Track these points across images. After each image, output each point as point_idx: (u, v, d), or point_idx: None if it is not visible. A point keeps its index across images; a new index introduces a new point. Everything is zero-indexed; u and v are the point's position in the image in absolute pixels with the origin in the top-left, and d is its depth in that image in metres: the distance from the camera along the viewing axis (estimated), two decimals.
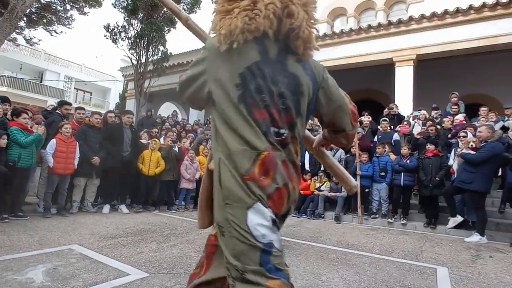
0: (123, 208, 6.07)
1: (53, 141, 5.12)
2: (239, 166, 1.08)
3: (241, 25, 1.10)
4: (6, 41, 10.17)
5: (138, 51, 12.03)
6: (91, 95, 26.83)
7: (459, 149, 5.58)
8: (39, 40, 14.55)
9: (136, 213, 5.97)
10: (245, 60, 1.13)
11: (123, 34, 12.02)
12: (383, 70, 9.98)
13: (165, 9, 12.58)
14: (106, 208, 5.86)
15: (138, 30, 11.85)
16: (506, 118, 6.81)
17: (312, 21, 1.20)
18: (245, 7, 1.12)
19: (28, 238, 3.59)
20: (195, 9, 12.67)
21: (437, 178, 5.71)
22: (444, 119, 7.35)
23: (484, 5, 8.02)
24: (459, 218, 5.40)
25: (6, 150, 4.50)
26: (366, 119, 8.24)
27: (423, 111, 8.01)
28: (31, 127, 5.00)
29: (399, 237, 5.07)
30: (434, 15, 8.68)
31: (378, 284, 2.77)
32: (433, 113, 8.20)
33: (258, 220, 1.07)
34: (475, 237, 4.92)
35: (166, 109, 16.11)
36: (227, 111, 1.13)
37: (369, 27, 9.68)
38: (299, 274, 2.91)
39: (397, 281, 2.87)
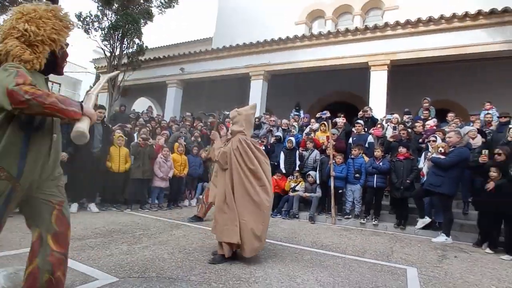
0: (93, 207, 5.79)
1: None
2: None
3: None
4: None
5: (112, 43, 11.53)
6: (59, 86, 25.47)
7: (429, 153, 5.83)
8: None
9: (107, 212, 5.72)
10: None
11: (96, 24, 11.47)
12: (359, 74, 10.25)
13: (141, 0, 12.17)
14: (74, 206, 5.56)
15: (113, 21, 11.35)
16: (471, 124, 7.20)
17: None
18: None
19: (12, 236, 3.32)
20: (173, 4, 12.34)
21: (407, 181, 5.93)
22: (416, 124, 7.65)
23: (454, 16, 8.44)
24: (427, 219, 5.65)
25: None
26: (341, 120, 8.41)
27: (396, 115, 8.30)
28: None
29: (371, 237, 5.21)
30: (408, 22, 9.02)
31: (351, 285, 2.81)
32: (405, 117, 8.52)
33: None
34: (441, 238, 5.16)
35: (141, 105, 15.61)
36: None
37: (347, 30, 9.91)
38: (274, 276, 2.90)
39: (369, 282, 2.93)
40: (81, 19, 11.34)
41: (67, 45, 1.96)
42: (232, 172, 3.33)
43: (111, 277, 2.55)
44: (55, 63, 1.89)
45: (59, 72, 1.97)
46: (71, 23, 1.91)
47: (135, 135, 7.69)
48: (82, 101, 1.82)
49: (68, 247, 1.90)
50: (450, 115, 8.00)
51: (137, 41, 12.06)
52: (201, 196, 6.86)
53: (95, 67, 16.34)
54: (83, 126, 1.66)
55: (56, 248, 1.80)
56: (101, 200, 6.34)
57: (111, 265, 2.84)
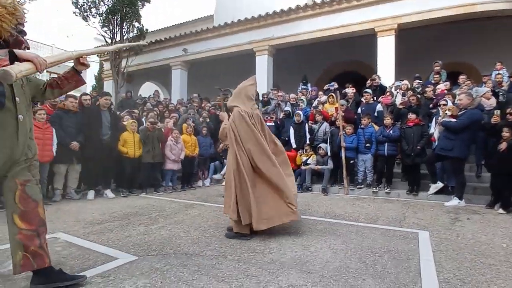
0: (109, 193, 5.96)
1: None
2: None
3: None
4: None
5: (111, 28, 11.41)
6: None
7: (440, 118, 5.70)
8: None
9: (123, 197, 5.89)
10: None
11: (93, 10, 11.30)
12: (366, 41, 9.90)
13: None
14: (91, 194, 5.74)
15: (110, 6, 11.16)
16: (483, 85, 6.96)
17: None
18: None
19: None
20: None
21: (418, 147, 5.86)
22: (426, 89, 7.44)
23: None
24: (439, 184, 5.62)
25: None
26: (350, 91, 8.24)
27: (405, 81, 8.08)
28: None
29: (383, 205, 5.24)
30: None
31: (364, 250, 2.86)
32: (415, 83, 8.28)
33: None
34: (454, 201, 5.15)
35: (147, 89, 15.61)
36: None
37: None
38: (288, 246, 2.97)
39: (381, 246, 2.98)
40: (78, 6, 11.19)
41: (21, 32, 2.00)
42: (234, 148, 3.33)
43: (131, 256, 2.66)
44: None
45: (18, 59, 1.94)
46: (16, 8, 1.90)
47: (143, 119, 7.75)
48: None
49: (38, 223, 1.99)
50: (462, 77, 7.74)
51: (136, 24, 11.89)
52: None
53: (97, 55, 16.26)
54: (13, 66, 1.65)
55: (25, 226, 1.93)
56: (116, 186, 6.52)
57: (130, 245, 2.96)
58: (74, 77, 2.28)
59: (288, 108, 8.47)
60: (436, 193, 5.67)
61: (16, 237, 1.92)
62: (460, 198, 5.18)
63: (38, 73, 1.83)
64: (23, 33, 2.05)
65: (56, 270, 2.05)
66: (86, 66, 2.24)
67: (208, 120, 8.52)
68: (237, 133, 3.30)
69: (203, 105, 9.91)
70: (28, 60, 1.75)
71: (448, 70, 8.63)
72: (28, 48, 2.10)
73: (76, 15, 11.30)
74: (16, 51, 1.75)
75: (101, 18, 11.29)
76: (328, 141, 6.93)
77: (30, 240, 1.93)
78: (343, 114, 6.81)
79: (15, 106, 1.95)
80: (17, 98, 1.97)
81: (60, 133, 5.33)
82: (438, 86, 7.52)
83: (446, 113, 5.30)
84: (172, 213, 4.47)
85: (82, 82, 2.35)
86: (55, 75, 2.49)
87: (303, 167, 6.95)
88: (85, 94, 6.60)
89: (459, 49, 10.42)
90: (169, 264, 2.47)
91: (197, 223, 3.89)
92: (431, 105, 6.96)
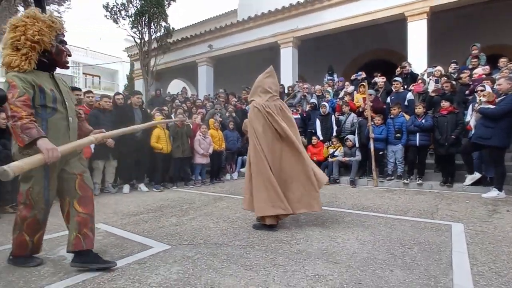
0: (142, 187, 6.29)
1: None
2: None
3: None
4: None
5: (140, 29, 11.85)
6: (99, 78, 26.99)
7: (476, 105, 5.39)
8: None
9: (156, 191, 6.17)
10: None
11: (123, 13, 11.80)
12: (395, 27, 9.50)
13: None
14: (126, 188, 6.09)
15: (138, 7, 11.58)
16: None
17: None
18: None
19: (56, 220, 3.78)
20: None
21: (452, 136, 5.58)
22: (462, 74, 7.03)
23: None
24: (476, 175, 5.34)
25: None
26: (380, 80, 7.98)
27: (438, 67, 7.68)
28: None
29: (414, 197, 5.08)
30: None
31: (392, 242, 2.83)
32: (450, 68, 7.85)
33: None
34: (493, 193, 4.88)
35: (175, 87, 16.07)
36: None
37: None
38: (315, 237, 3.00)
39: (411, 238, 2.92)
40: (109, 10, 11.70)
41: (61, 42, 2.23)
42: (252, 141, 3.40)
43: (164, 245, 2.82)
44: (53, 59, 2.20)
45: (62, 66, 2.30)
46: (53, 21, 2.15)
47: (172, 116, 8.02)
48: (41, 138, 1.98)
49: (92, 208, 2.34)
50: (502, 60, 7.23)
51: (163, 23, 12.24)
52: None
53: (128, 56, 16.96)
54: (13, 164, 1.78)
55: (82, 210, 2.26)
56: (149, 180, 6.85)
57: (163, 235, 3.14)
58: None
59: (314, 100, 8.38)
60: (473, 184, 5.40)
61: (75, 219, 2.24)
62: (500, 189, 4.90)
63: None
64: (64, 42, 2.28)
65: (94, 253, 2.31)
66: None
67: (234, 114, 8.64)
68: (252, 127, 3.37)
69: (229, 100, 10.06)
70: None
71: (487, 54, 8.07)
72: (70, 55, 2.34)
73: (107, 18, 11.85)
74: (39, 142, 1.93)
75: (130, 19, 11.75)
76: (356, 132, 6.80)
77: (84, 223, 2.25)
78: (371, 104, 6.63)
79: (65, 109, 2.24)
80: (66, 103, 2.26)
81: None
82: (475, 71, 7.07)
83: (481, 100, 4.99)
84: (201, 205, 4.64)
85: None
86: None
87: (330, 159, 6.88)
88: (118, 93, 6.95)
89: (498, 30, 9.70)
90: (200, 253, 2.60)
91: (226, 215, 4.01)
92: (467, 92, 6.57)
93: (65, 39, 2.28)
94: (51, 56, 2.17)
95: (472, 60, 7.57)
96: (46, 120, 2.12)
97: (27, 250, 2.33)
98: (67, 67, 2.38)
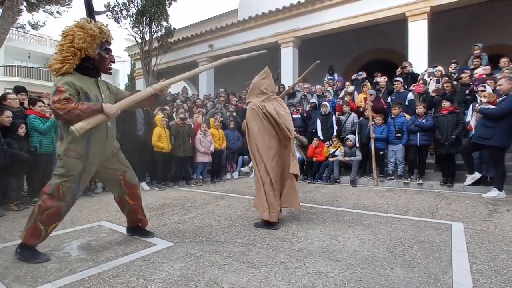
0: (144, 185, 6.31)
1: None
2: None
3: None
4: (11, 30, 10.21)
5: (141, 28, 11.88)
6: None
7: (477, 105, 5.42)
8: (44, 22, 14.49)
9: (158, 190, 6.20)
10: None
11: (124, 12, 11.82)
12: (395, 27, 9.52)
13: None
14: None
15: (139, 7, 11.60)
16: None
17: None
18: None
19: None
20: None
21: (453, 136, 5.61)
22: (462, 74, 7.04)
23: None
24: (477, 175, 5.37)
25: (27, 138, 4.69)
26: (382, 79, 7.99)
27: (439, 67, 7.70)
28: (50, 115, 5.15)
29: (415, 196, 5.11)
30: None
31: (393, 241, 2.86)
32: (451, 68, 7.86)
33: None
34: (493, 192, 4.91)
35: (176, 86, 16.09)
36: None
37: None
38: (315, 236, 3.03)
39: (411, 237, 2.95)
40: (110, 9, 11.73)
41: (106, 49, 2.48)
42: (249, 142, 3.53)
43: (167, 242, 2.86)
44: (96, 66, 2.47)
45: (105, 72, 2.58)
46: (100, 31, 2.40)
47: (174, 115, 8.05)
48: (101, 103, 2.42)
49: (140, 199, 2.93)
50: (504, 60, 7.23)
51: (164, 23, 12.26)
52: None
53: (129, 55, 16.98)
54: (77, 125, 2.21)
55: (133, 202, 2.85)
56: (150, 179, 6.88)
57: (166, 233, 3.17)
58: (151, 98, 2.74)
59: (314, 100, 8.40)
60: (473, 184, 5.43)
61: (131, 208, 2.88)
62: (500, 189, 4.92)
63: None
64: (108, 50, 2.51)
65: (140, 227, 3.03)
66: (164, 94, 2.82)
67: (235, 114, 8.66)
68: (248, 127, 3.47)
69: (230, 99, 10.08)
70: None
71: (488, 53, 8.08)
72: (113, 62, 2.60)
73: (109, 18, 11.88)
74: (104, 107, 2.34)
75: (132, 19, 11.77)
76: (357, 132, 6.82)
77: (137, 211, 2.92)
78: (372, 104, 6.66)
79: None
80: None
81: None
82: (476, 71, 7.08)
83: (481, 100, 5.02)
84: (203, 204, 4.67)
85: (156, 104, 3.00)
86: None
87: (330, 159, 6.91)
88: None
89: (499, 29, 9.72)
90: (202, 250, 2.63)
91: (227, 213, 4.05)
92: (467, 92, 6.60)
93: (110, 47, 2.51)
94: (94, 62, 2.43)
95: (474, 60, 7.58)
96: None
97: (39, 239, 2.42)
98: (110, 73, 2.68)
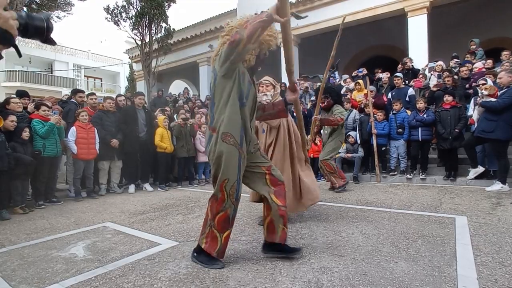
0: (147, 186, 6.35)
1: (73, 129, 5.33)
2: None
3: None
4: None
5: (141, 30, 11.91)
6: (101, 81, 27.12)
7: (478, 98, 5.40)
8: None
9: (161, 190, 6.23)
10: None
11: (124, 15, 11.87)
12: (395, 23, 9.51)
13: None
14: (132, 188, 6.15)
15: (138, 9, 11.63)
16: None
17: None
18: None
19: (65, 220, 3.88)
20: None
21: (456, 130, 5.60)
22: (462, 68, 7.03)
23: None
24: (480, 169, 5.36)
25: (32, 142, 4.73)
26: (385, 75, 7.99)
27: (440, 62, 7.69)
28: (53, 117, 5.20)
29: (418, 191, 5.11)
30: None
31: (396, 235, 2.86)
32: (452, 62, 7.85)
33: None
34: (497, 186, 4.89)
35: (177, 87, 16.13)
36: None
37: None
38: (319, 232, 3.04)
39: (415, 232, 2.96)
40: (110, 12, 11.77)
41: (265, 54, 2.37)
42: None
43: (172, 241, 2.88)
44: (255, 64, 2.31)
45: (258, 68, 2.40)
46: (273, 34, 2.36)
47: (175, 116, 8.08)
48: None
49: (285, 200, 2.38)
50: (505, 53, 7.22)
51: (164, 25, 12.29)
52: None
53: (129, 57, 17.03)
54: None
55: (280, 202, 2.32)
56: (154, 180, 6.91)
57: (170, 232, 3.19)
58: (280, 105, 2.51)
59: (314, 97, 8.39)
60: (477, 178, 5.42)
61: (278, 213, 2.30)
62: (503, 182, 4.91)
63: None
64: (265, 55, 2.40)
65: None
66: (294, 98, 2.55)
67: None
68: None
69: None
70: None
71: (490, 46, 8.05)
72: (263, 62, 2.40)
73: (108, 21, 11.93)
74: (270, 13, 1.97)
75: (131, 21, 11.80)
76: (358, 129, 6.82)
77: (285, 215, 2.33)
78: (373, 100, 6.65)
79: (253, 105, 2.31)
80: (250, 103, 2.30)
81: (102, 132, 5.75)
82: (475, 65, 7.08)
83: (482, 92, 5.01)
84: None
85: (283, 114, 2.58)
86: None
87: None
88: (120, 95, 7.03)
89: (499, 23, 9.67)
90: None
91: None
92: (467, 86, 6.59)
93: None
94: (258, 60, 2.31)
95: (467, 56, 7.62)
96: (240, 109, 2.15)
97: (217, 247, 2.22)
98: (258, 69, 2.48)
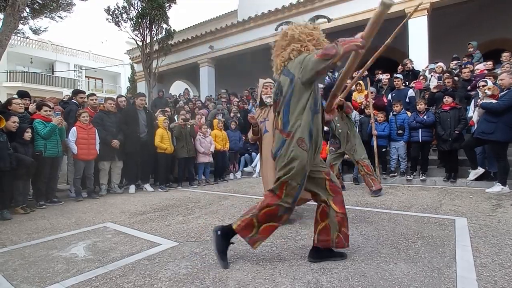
0: (148, 187, 6.36)
1: (73, 129, 5.34)
2: None
3: None
4: (13, 36, 10.31)
5: (141, 31, 11.94)
6: (102, 81, 27.16)
7: (479, 100, 5.40)
8: (46, 28, 14.57)
9: (161, 191, 6.24)
10: None
11: (124, 16, 11.89)
12: (395, 25, 9.50)
13: None
14: (132, 188, 6.16)
15: (139, 10, 11.66)
16: None
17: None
18: None
19: (66, 220, 3.89)
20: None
21: (456, 131, 5.60)
22: (464, 70, 7.04)
23: None
24: (480, 170, 5.35)
25: (33, 142, 4.74)
26: (384, 77, 8.00)
27: (440, 64, 7.69)
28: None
29: (418, 193, 5.11)
30: None
31: (396, 237, 2.87)
32: (452, 64, 7.86)
33: None
34: (497, 187, 4.89)
35: (177, 88, 16.15)
36: None
37: None
38: None
39: (415, 233, 2.96)
40: (110, 13, 11.80)
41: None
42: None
43: (172, 242, 2.89)
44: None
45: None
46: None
47: (175, 117, 8.10)
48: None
49: (345, 207, 2.37)
50: (505, 55, 7.22)
51: (164, 25, 12.31)
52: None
53: (130, 58, 17.06)
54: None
55: (338, 209, 2.31)
56: (154, 181, 6.92)
57: (170, 232, 3.20)
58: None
59: None
60: (477, 179, 5.41)
61: (335, 220, 2.31)
62: (504, 184, 4.90)
63: None
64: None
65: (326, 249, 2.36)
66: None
67: (238, 115, 8.68)
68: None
69: (231, 100, 10.12)
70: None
71: (489, 48, 8.06)
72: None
73: (109, 22, 11.95)
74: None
75: (132, 22, 11.83)
76: (358, 130, 6.81)
77: (342, 222, 2.33)
78: (373, 101, 6.65)
79: (322, 111, 2.39)
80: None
81: (102, 132, 5.76)
82: (477, 67, 7.09)
83: (485, 93, 5.01)
84: (207, 204, 4.70)
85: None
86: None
87: None
88: (121, 96, 7.05)
89: (499, 24, 9.68)
90: (207, 249, 2.65)
91: (231, 213, 4.07)
92: (469, 87, 6.59)
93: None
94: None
95: (463, 59, 7.64)
96: (312, 118, 2.20)
97: (250, 234, 2.25)
98: None
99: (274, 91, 2.39)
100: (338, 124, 5.31)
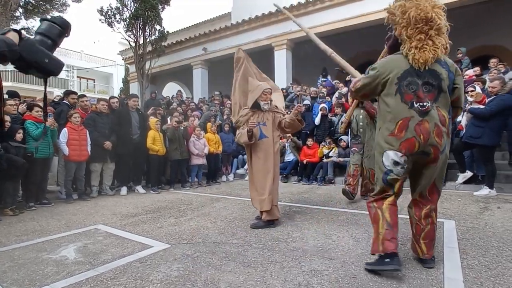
0: (140, 188, 6.32)
1: (64, 130, 5.29)
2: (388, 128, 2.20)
3: None
4: None
5: (134, 32, 11.87)
6: (94, 82, 26.90)
7: (467, 105, 5.52)
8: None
9: (153, 193, 6.20)
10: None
11: (117, 16, 11.81)
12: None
13: None
14: (124, 190, 6.12)
15: (133, 11, 11.60)
16: None
17: None
18: None
19: (56, 222, 3.85)
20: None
21: None
22: None
23: None
24: (468, 174, 5.46)
25: (24, 143, 4.68)
26: None
27: None
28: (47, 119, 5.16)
29: (408, 196, 5.15)
30: None
31: None
32: None
33: (385, 159, 2.28)
34: (484, 191, 5.00)
35: (170, 90, 16.07)
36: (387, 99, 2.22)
37: None
38: (310, 235, 3.08)
39: (404, 235, 3.01)
40: (103, 13, 11.71)
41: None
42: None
43: (164, 244, 2.88)
44: None
45: None
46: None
47: (168, 119, 8.07)
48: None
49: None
50: (493, 61, 7.41)
51: (158, 27, 12.27)
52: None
53: (123, 59, 16.94)
54: None
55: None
56: (146, 182, 6.88)
57: (162, 235, 3.19)
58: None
59: (307, 101, 8.48)
60: (465, 182, 5.53)
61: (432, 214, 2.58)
62: (491, 187, 5.02)
63: None
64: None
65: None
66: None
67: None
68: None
69: (224, 102, 10.12)
70: None
71: (480, 54, 8.22)
72: None
73: (102, 22, 11.86)
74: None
75: (125, 23, 11.76)
76: (349, 133, 6.89)
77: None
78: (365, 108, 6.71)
79: None
80: None
81: (94, 134, 5.71)
82: (466, 72, 7.24)
83: (470, 99, 5.15)
84: (199, 206, 4.70)
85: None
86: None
87: (325, 160, 6.98)
88: (113, 97, 7.00)
89: (490, 31, 9.90)
90: (199, 251, 2.66)
91: (223, 215, 4.08)
92: None
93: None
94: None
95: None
96: None
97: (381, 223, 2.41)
98: None
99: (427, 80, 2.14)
100: (361, 123, 5.11)
